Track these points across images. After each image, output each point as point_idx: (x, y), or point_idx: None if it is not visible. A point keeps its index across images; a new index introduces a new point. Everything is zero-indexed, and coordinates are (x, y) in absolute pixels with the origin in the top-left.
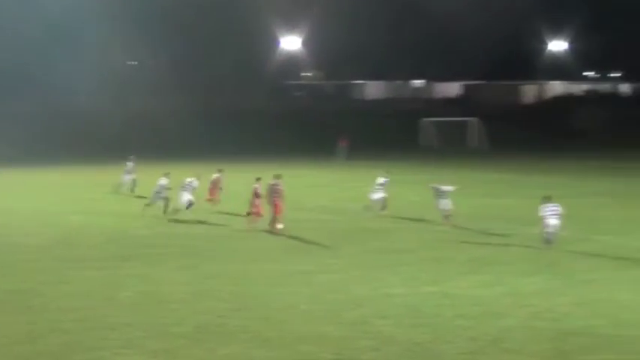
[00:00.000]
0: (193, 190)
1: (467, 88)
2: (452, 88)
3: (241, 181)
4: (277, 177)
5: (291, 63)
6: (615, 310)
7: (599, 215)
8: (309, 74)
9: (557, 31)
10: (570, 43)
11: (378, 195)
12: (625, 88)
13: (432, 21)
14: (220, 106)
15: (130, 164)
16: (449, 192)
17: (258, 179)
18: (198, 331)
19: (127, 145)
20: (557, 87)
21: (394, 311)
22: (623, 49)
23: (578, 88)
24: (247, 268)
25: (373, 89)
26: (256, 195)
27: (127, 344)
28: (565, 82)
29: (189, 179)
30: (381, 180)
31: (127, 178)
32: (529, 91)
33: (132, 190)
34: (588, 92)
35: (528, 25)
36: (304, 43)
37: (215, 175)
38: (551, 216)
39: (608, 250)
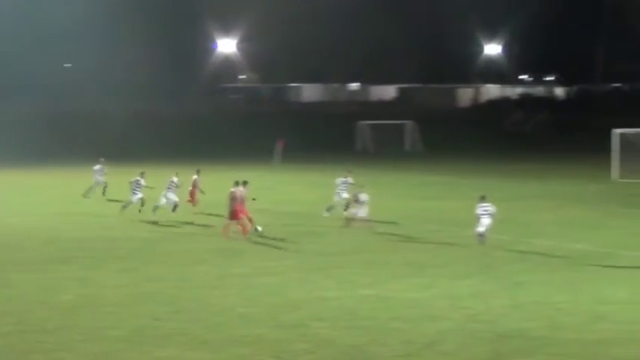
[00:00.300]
0: (176, 190)
1: (403, 91)
2: (388, 91)
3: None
4: (238, 184)
5: (228, 66)
6: (550, 312)
7: (534, 218)
8: (245, 77)
9: (492, 35)
10: (505, 47)
11: (343, 195)
12: (560, 91)
13: (368, 24)
14: (156, 109)
15: (98, 167)
16: (366, 202)
17: (237, 183)
18: (135, 334)
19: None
20: (492, 90)
21: (330, 314)
22: (558, 53)
23: (513, 91)
24: (186, 270)
25: (309, 92)
26: (234, 199)
27: (64, 347)
28: (500, 85)
29: (174, 178)
30: (341, 180)
31: (99, 180)
32: (465, 95)
33: (103, 193)
34: (523, 96)
35: (464, 28)
36: (240, 46)
37: (194, 177)
38: (484, 215)
39: (543, 252)
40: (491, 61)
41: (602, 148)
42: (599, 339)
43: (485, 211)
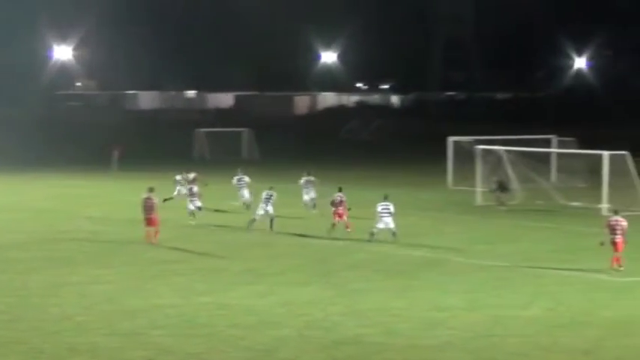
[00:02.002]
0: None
1: (239, 98)
2: (225, 99)
3: (15, 190)
4: (152, 190)
5: (65, 73)
6: (386, 318)
7: (370, 225)
8: (81, 84)
9: (328, 43)
10: (341, 55)
11: (310, 195)
12: (395, 99)
13: (205, 32)
14: None
15: None
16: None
17: (151, 189)
18: None
19: None
20: (329, 98)
21: (168, 322)
22: (394, 61)
23: (349, 99)
24: (22, 279)
25: (146, 99)
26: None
27: None
28: (337, 93)
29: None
30: (303, 180)
31: None
32: (301, 102)
33: None
34: (359, 103)
35: (300, 36)
36: (76, 53)
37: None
38: (384, 214)
39: (379, 259)
40: (327, 70)
41: (437, 155)
42: (434, 345)
43: (386, 209)
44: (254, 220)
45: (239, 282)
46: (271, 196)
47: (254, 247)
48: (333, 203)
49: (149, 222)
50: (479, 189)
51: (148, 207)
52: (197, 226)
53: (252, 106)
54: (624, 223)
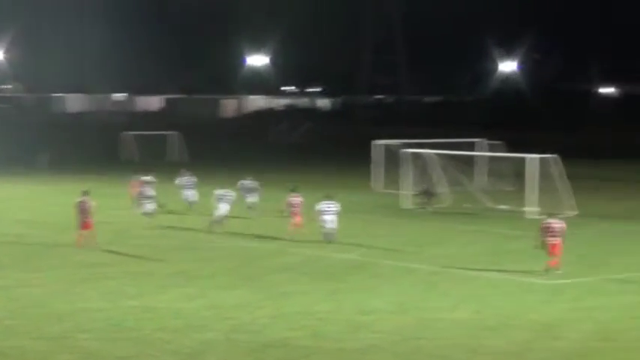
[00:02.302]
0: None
1: (168, 101)
2: (153, 102)
3: None
4: (86, 194)
5: None
6: (313, 322)
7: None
8: (9, 86)
9: (257, 46)
10: (270, 58)
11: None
12: (324, 102)
13: (134, 35)
14: None
15: None
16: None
17: (85, 193)
18: None
19: None
20: (257, 101)
21: (96, 325)
22: (322, 64)
23: (278, 102)
24: None
25: (74, 102)
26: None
27: None
28: (265, 96)
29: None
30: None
31: None
32: (229, 106)
33: None
34: (288, 107)
35: (228, 39)
36: (4, 55)
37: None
38: (327, 212)
39: (306, 262)
40: (256, 73)
41: (365, 158)
42: (361, 348)
43: (329, 208)
44: (217, 221)
45: (169, 285)
46: (227, 195)
47: (186, 251)
48: (290, 205)
49: (84, 225)
50: (406, 192)
51: (82, 210)
52: (129, 229)
53: (181, 109)
54: (560, 225)
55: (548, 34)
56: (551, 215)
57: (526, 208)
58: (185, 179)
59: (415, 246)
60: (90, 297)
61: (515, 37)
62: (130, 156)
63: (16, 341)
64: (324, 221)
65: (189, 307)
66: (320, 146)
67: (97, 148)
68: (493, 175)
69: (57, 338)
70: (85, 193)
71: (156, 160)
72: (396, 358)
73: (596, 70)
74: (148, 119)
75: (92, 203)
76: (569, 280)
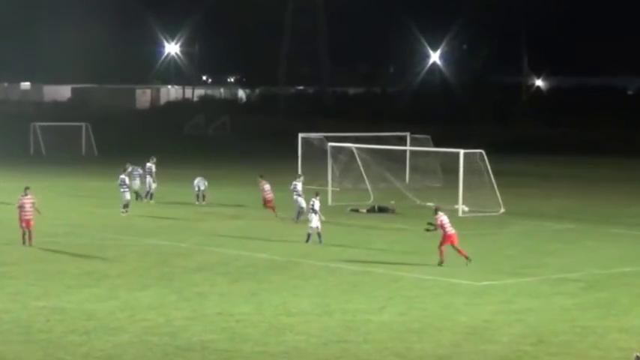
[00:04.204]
0: None
1: (77, 91)
2: (62, 91)
3: None
4: (27, 190)
5: None
6: (231, 324)
7: (214, 225)
8: None
9: (172, 34)
10: (186, 47)
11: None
12: (242, 93)
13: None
14: None
15: None
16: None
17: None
18: None
19: None
20: (172, 92)
21: (2, 328)
22: (240, 54)
23: (194, 93)
24: None
25: None
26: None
27: None
28: (181, 86)
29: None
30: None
31: None
32: (143, 96)
33: None
34: (204, 98)
35: (144, 27)
36: None
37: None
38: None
39: (224, 261)
40: (171, 62)
41: (286, 152)
42: (282, 351)
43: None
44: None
45: (77, 285)
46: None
47: (88, 249)
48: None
49: (26, 224)
50: (330, 188)
51: (22, 208)
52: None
53: (91, 99)
54: (445, 217)
55: (475, 23)
56: (437, 210)
57: (458, 206)
58: (130, 169)
59: (338, 245)
60: None
61: (440, 25)
62: (38, 148)
63: None
64: (310, 221)
65: (101, 308)
66: (238, 139)
67: (3, 140)
68: (419, 171)
69: None
70: (27, 189)
71: (67, 154)
72: None
73: (526, 62)
74: (57, 109)
75: (33, 200)
76: (496, 282)
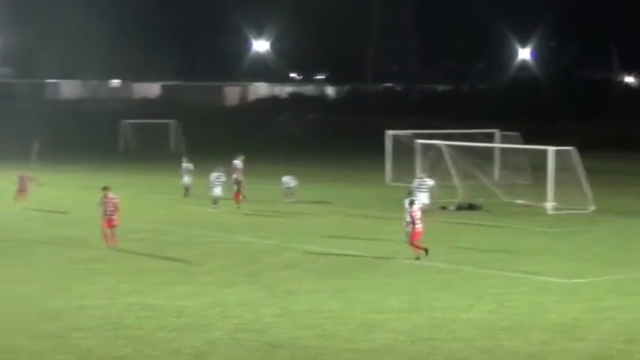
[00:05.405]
0: None
1: (166, 88)
2: (151, 89)
3: None
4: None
5: None
6: (320, 321)
7: (304, 223)
8: None
9: (260, 31)
10: (274, 44)
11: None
12: (330, 90)
13: (130, 18)
14: None
15: None
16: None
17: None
18: None
19: None
20: (261, 89)
21: (92, 323)
22: (328, 50)
23: (282, 90)
24: None
25: (68, 88)
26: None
27: None
28: (269, 83)
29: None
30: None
31: None
32: (232, 93)
33: None
34: (293, 95)
35: (231, 24)
36: None
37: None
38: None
39: (313, 259)
40: (259, 59)
41: (374, 150)
42: (373, 348)
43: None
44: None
45: (166, 282)
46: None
47: (177, 246)
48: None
49: (107, 223)
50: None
51: (106, 207)
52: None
53: (180, 96)
54: (419, 212)
55: (565, 19)
56: (412, 203)
57: (547, 203)
58: (215, 175)
59: (427, 243)
60: (86, 293)
61: (529, 23)
62: (128, 144)
63: (7, 340)
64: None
65: (191, 304)
66: (326, 136)
67: (93, 137)
68: (508, 168)
69: (51, 337)
70: (106, 189)
71: (156, 151)
72: (410, 359)
73: (617, 58)
74: (146, 107)
75: (116, 200)
76: (586, 280)
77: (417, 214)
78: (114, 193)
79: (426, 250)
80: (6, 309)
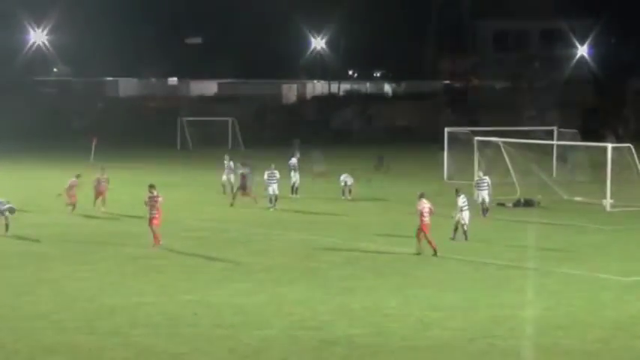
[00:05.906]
0: None
1: (223, 86)
2: (209, 87)
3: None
4: (153, 187)
5: (40, 58)
6: (377, 319)
7: (361, 220)
8: (57, 70)
9: (318, 29)
10: (331, 41)
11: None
12: (388, 88)
13: (188, 17)
14: None
15: None
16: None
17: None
18: None
19: None
20: (318, 86)
21: (150, 321)
22: (386, 48)
23: (340, 87)
24: None
25: (126, 86)
26: None
27: None
28: (326, 81)
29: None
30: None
31: None
32: (290, 91)
33: None
34: (350, 92)
35: (287, 21)
36: (51, 38)
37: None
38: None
39: (371, 256)
40: (316, 57)
41: (433, 146)
42: (430, 346)
43: (465, 204)
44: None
45: (223, 279)
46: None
47: (234, 244)
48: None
49: (151, 221)
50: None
51: (151, 205)
52: (174, 221)
53: (237, 94)
54: (427, 206)
55: (625, 16)
56: (422, 196)
57: (605, 200)
58: (269, 173)
59: (484, 241)
60: (144, 290)
61: (588, 18)
62: (187, 142)
63: (65, 337)
64: (462, 218)
65: (248, 302)
66: (384, 133)
67: (152, 134)
68: (566, 165)
69: (109, 334)
70: (152, 186)
71: (213, 147)
72: (467, 358)
73: None
74: (204, 104)
75: (159, 199)
76: None
77: (425, 208)
78: (157, 192)
79: (435, 251)
80: (65, 306)
